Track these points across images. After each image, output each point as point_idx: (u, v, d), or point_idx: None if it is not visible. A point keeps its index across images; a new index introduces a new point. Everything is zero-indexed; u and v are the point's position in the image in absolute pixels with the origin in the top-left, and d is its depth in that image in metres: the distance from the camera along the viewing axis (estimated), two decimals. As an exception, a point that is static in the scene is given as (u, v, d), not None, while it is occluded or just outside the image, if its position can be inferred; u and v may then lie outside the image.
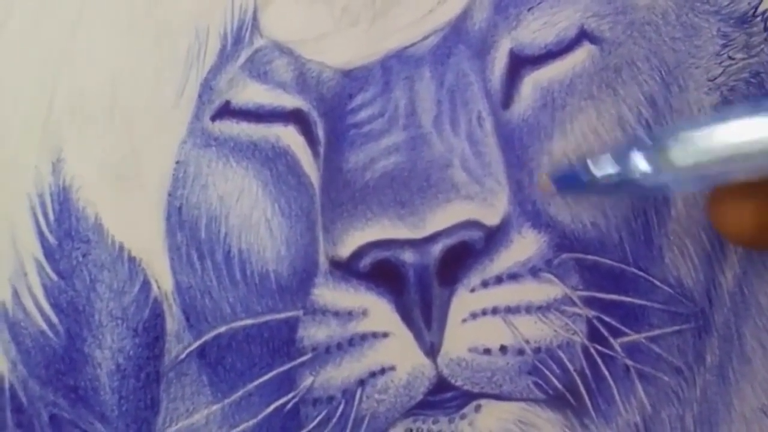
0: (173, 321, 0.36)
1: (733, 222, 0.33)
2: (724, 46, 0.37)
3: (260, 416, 0.35)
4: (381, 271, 0.35)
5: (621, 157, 0.32)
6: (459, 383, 0.35)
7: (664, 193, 0.35)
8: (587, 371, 0.36)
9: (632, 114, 0.36)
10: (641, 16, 0.37)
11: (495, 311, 0.35)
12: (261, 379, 0.35)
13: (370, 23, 0.36)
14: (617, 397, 0.36)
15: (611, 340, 0.36)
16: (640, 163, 0.31)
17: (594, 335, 0.36)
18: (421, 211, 0.35)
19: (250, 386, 0.35)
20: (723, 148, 0.30)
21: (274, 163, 0.36)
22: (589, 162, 0.32)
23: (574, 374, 0.35)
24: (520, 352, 0.35)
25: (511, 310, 0.35)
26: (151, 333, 0.36)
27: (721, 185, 0.32)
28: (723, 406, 0.36)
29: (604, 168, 0.32)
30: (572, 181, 0.33)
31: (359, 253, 0.35)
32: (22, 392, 0.36)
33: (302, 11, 0.36)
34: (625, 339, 0.36)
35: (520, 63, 0.36)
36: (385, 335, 0.35)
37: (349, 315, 0.35)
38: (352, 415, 0.35)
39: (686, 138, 0.31)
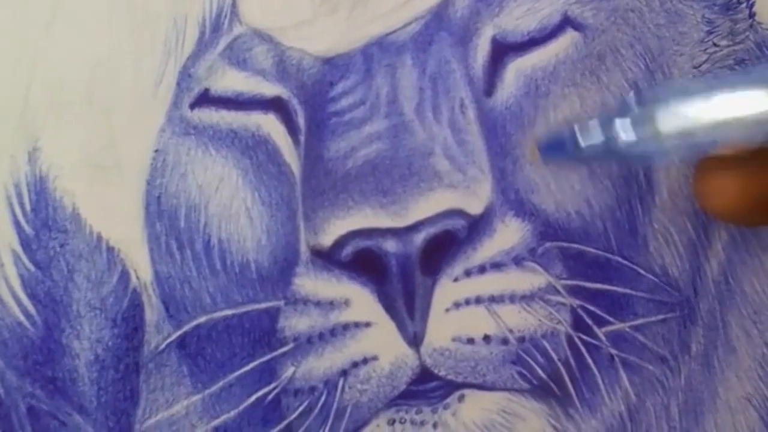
0: (152, 311, 0.36)
1: (719, 197, 0.32)
2: (709, 32, 0.37)
3: (241, 407, 0.35)
4: (363, 261, 0.35)
5: (607, 124, 0.31)
6: (442, 373, 0.35)
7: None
8: (571, 360, 0.36)
9: (616, 101, 0.36)
10: (625, 3, 0.37)
11: (478, 300, 0.35)
12: (242, 370, 0.35)
13: (351, 10, 0.36)
14: (602, 386, 0.36)
15: (595, 329, 0.36)
16: (626, 131, 0.31)
17: (578, 324, 0.36)
18: (404, 200, 0.35)
19: (231, 377, 0.35)
20: (709, 117, 0.30)
21: (254, 151, 0.36)
22: (576, 130, 0.31)
23: (558, 364, 0.35)
24: (504, 341, 0.35)
25: (494, 300, 0.35)
26: (130, 323, 0.36)
27: (705, 158, 0.32)
28: (708, 395, 0.36)
29: (590, 137, 0.31)
30: (558, 149, 0.32)
31: (341, 243, 0.35)
32: (0, 384, 0.36)
33: (282, -2, 0.36)
34: (610, 328, 0.36)
35: (503, 50, 0.36)
36: (368, 325, 0.35)
37: (330, 305, 0.35)
38: (335, 406, 0.35)
39: (672, 106, 0.30)
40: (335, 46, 0.36)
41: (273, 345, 0.35)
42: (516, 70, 0.36)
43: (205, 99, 0.36)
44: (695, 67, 0.37)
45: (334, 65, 0.36)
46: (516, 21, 0.36)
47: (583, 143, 0.31)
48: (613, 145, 0.31)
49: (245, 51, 0.36)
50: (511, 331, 0.35)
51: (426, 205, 0.35)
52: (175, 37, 0.36)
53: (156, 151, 0.36)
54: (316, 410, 0.35)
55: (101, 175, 0.36)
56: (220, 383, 0.35)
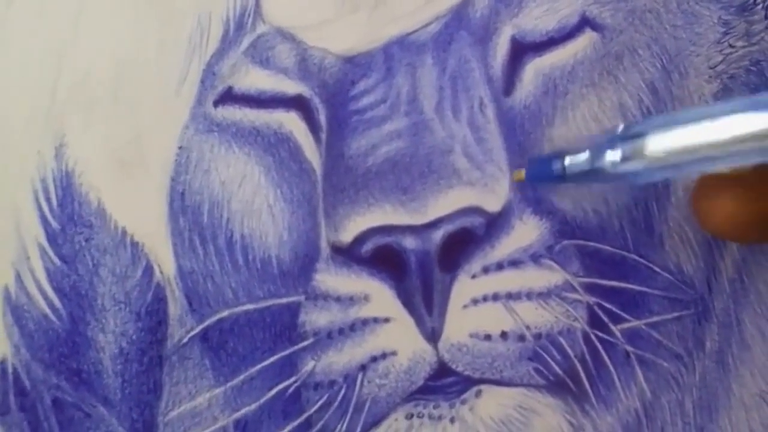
0: (176, 305, 0.36)
1: (717, 216, 0.33)
2: (725, 33, 0.37)
3: (262, 400, 0.36)
4: (382, 257, 0.35)
5: (594, 148, 0.32)
6: (460, 369, 0.35)
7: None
8: (588, 357, 0.36)
9: (633, 101, 0.36)
10: (642, 4, 0.37)
11: (496, 297, 0.35)
12: (263, 364, 0.36)
13: (372, 10, 0.36)
14: (617, 383, 0.36)
15: (611, 326, 0.36)
16: (610, 153, 0.31)
17: (594, 321, 0.36)
18: (423, 197, 0.35)
19: (252, 370, 0.36)
20: (696, 142, 0.30)
21: (277, 149, 0.36)
22: (566, 158, 0.32)
23: (575, 360, 0.36)
24: (521, 338, 0.35)
25: (512, 296, 0.35)
26: (154, 317, 0.36)
27: (703, 177, 0.33)
28: (722, 392, 0.36)
29: (576, 158, 0.32)
30: (543, 169, 0.33)
31: (361, 239, 0.35)
32: (25, 376, 0.36)
33: (305, -3, 0.36)
34: (626, 325, 0.36)
35: (522, 50, 0.37)
36: (387, 320, 0.35)
37: (350, 300, 0.35)
38: (354, 400, 0.35)
39: (658, 131, 0.31)
40: (357, 45, 0.36)
41: (294, 339, 0.36)
42: (535, 69, 0.36)
43: (229, 97, 0.36)
44: (711, 68, 0.37)
45: (355, 64, 0.36)
46: (535, 21, 0.37)
47: (567, 163, 0.32)
48: (597, 166, 0.31)
49: (268, 49, 0.36)
50: (528, 327, 0.35)
51: (445, 203, 0.35)
52: (200, 35, 0.36)
53: (180, 147, 0.36)
54: (336, 404, 0.35)
55: (126, 170, 0.36)
56: (242, 376, 0.36)
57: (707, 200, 0.33)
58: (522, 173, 0.34)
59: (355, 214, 0.35)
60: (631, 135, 0.31)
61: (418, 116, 0.36)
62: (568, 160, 0.32)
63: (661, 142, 0.30)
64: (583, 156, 0.32)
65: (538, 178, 0.34)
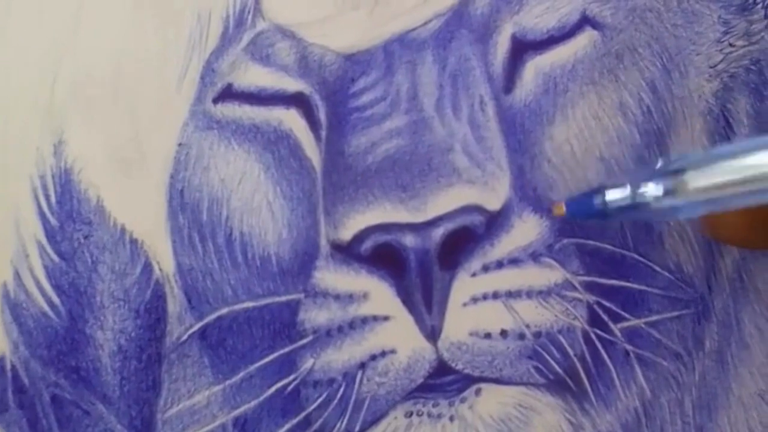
0: (175, 303, 0.36)
1: (722, 222, 0.34)
2: (725, 32, 0.37)
3: (261, 398, 0.36)
4: (382, 255, 0.35)
5: (634, 183, 0.32)
6: (459, 367, 0.35)
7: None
8: (587, 356, 0.36)
9: (633, 100, 0.37)
10: (643, 3, 0.37)
11: (496, 295, 0.35)
12: (262, 361, 0.36)
13: (372, 7, 0.36)
14: (617, 381, 0.36)
15: (611, 325, 0.36)
16: (653, 188, 0.31)
17: (594, 320, 0.36)
18: (423, 195, 0.35)
19: (252, 368, 0.36)
20: (738, 178, 0.30)
21: (276, 146, 0.36)
22: (606, 192, 0.33)
23: (574, 359, 0.36)
24: (521, 336, 0.35)
25: (511, 295, 0.35)
26: (153, 314, 0.36)
27: None
28: (721, 391, 0.36)
29: (617, 193, 0.32)
30: (585, 205, 0.33)
31: (360, 237, 0.35)
32: (24, 373, 0.36)
33: (305, -6, 0.36)
34: (625, 324, 0.36)
35: (523, 48, 0.37)
36: (386, 318, 0.35)
37: (349, 298, 0.35)
38: (353, 398, 0.35)
39: (700, 166, 0.31)
40: (357, 42, 0.36)
41: (293, 337, 0.36)
42: (535, 67, 0.36)
43: (228, 94, 0.36)
44: (711, 67, 0.37)
45: (355, 61, 0.36)
46: (535, 19, 0.37)
47: (609, 197, 0.32)
48: (639, 201, 0.31)
49: (268, 47, 0.36)
50: (527, 326, 0.35)
51: (445, 201, 0.35)
52: (199, 32, 0.36)
53: (179, 144, 0.36)
54: (335, 402, 0.35)
55: (125, 168, 0.36)
56: (241, 374, 0.36)
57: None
58: (562, 207, 0.34)
59: (355, 211, 0.35)
60: (672, 170, 0.31)
61: (418, 114, 0.36)
62: (608, 195, 0.32)
63: (703, 177, 0.31)
64: (624, 191, 0.32)
65: (579, 213, 0.34)
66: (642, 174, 0.32)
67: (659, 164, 0.32)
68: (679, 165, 0.31)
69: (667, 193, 0.31)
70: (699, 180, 0.31)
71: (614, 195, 0.32)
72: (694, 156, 0.32)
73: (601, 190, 0.33)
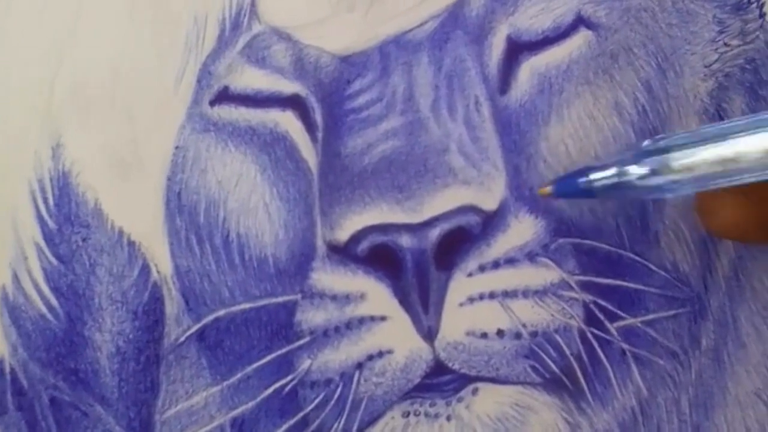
0: (173, 304, 0.36)
1: (719, 216, 0.34)
2: (720, 32, 0.37)
3: (259, 398, 0.36)
4: (378, 256, 0.35)
5: (619, 164, 0.32)
6: (456, 367, 0.35)
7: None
8: (584, 355, 0.36)
9: (628, 99, 0.37)
10: (638, 3, 0.37)
11: (492, 295, 0.35)
12: (259, 362, 0.36)
13: (368, 8, 0.36)
14: (613, 380, 0.36)
15: (607, 324, 0.36)
16: (637, 167, 0.31)
17: (590, 319, 0.36)
18: (419, 196, 0.36)
19: (249, 369, 0.36)
20: (723, 156, 0.31)
21: (273, 148, 0.36)
22: (592, 171, 0.33)
23: (571, 358, 0.36)
24: (517, 335, 0.36)
25: (508, 295, 0.36)
26: (151, 316, 0.36)
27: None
28: (718, 390, 0.37)
29: (603, 173, 0.32)
30: (570, 184, 0.33)
31: (357, 238, 0.35)
32: (23, 375, 0.36)
33: (300, -4, 0.37)
34: (622, 323, 0.36)
35: (518, 48, 0.37)
36: (383, 319, 0.35)
37: (346, 299, 0.35)
38: (350, 398, 0.35)
39: (686, 146, 0.31)
40: (352, 44, 0.36)
41: (290, 338, 0.36)
42: (530, 68, 0.37)
43: (225, 96, 0.36)
44: (706, 66, 0.37)
45: (351, 63, 0.36)
46: (530, 20, 0.37)
47: (594, 176, 0.32)
48: (624, 180, 0.31)
49: (264, 49, 0.36)
50: (524, 325, 0.36)
51: (441, 201, 0.36)
52: (196, 35, 0.36)
53: (176, 147, 0.36)
54: (332, 402, 0.36)
55: (123, 170, 0.36)
56: (239, 375, 0.36)
57: (709, 201, 0.34)
58: (547, 189, 0.34)
59: (352, 212, 0.35)
60: (658, 150, 0.31)
61: (413, 115, 0.36)
62: (594, 175, 0.32)
63: (687, 156, 0.31)
64: (610, 171, 0.32)
65: (566, 192, 0.34)
66: (629, 153, 0.32)
67: (646, 143, 0.32)
68: (664, 144, 0.31)
69: (653, 171, 0.31)
70: (683, 159, 0.31)
71: (599, 174, 0.32)
72: (679, 135, 0.32)
73: (587, 170, 0.33)
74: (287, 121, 0.36)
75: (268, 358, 0.36)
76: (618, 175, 0.32)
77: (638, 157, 0.32)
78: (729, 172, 0.31)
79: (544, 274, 0.36)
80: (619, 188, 0.32)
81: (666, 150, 0.31)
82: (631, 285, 0.36)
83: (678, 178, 0.31)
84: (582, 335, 0.36)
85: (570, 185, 0.33)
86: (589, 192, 0.33)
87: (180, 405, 0.36)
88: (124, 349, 0.36)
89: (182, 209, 0.36)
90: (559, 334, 0.36)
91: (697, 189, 0.32)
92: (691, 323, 0.37)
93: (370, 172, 0.36)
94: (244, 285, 0.36)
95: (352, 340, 0.35)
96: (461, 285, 0.35)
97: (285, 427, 0.36)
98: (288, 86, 0.36)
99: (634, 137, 0.37)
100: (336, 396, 0.35)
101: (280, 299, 0.36)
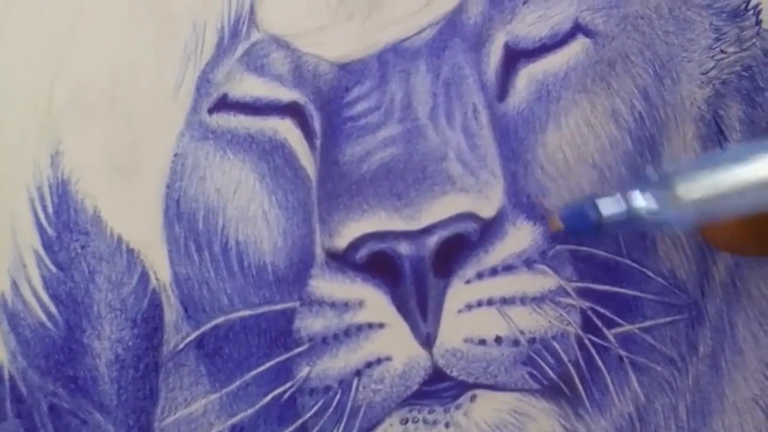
0: (171, 312, 0.36)
1: (717, 228, 0.34)
2: (717, 39, 0.37)
3: (258, 405, 0.36)
4: (377, 263, 0.35)
5: (628, 195, 0.32)
6: (454, 373, 0.35)
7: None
8: (581, 362, 0.36)
9: (626, 107, 0.37)
10: (635, 10, 0.37)
11: (490, 302, 0.36)
12: (258, 369, 0.36)
13: (366, 17, 0.37)
14: (611, 387, 0.36)
15: (605, 330, 0.36)
16: (647, 200, 0.31)
17: (588, 326, 0.36)
18: (417, 203, 0.36)
19: (248, 376, 0.36)
20: (730, 187, 0.31)
21: (271, 155, 0.36)
22: (598, 202, 0.32)
23: (569, 365, 0.36)
24: (515, 342, 0.36)
25: (506, 301, 0.36)
26: (150, 324, 0.36)
27: None
28: (715, 396, 0.37)
29: (612, 207, 0.32)
30: (581, 220, 0.33)
31: (355, 245, 0.35)
32: (22, 383, 0.36)
33: (299, 5, 0.36)
34: (619, 330, 0.36)
35: (515, 56, 0.37)
36: (381, 326, 0.35)
37: (345, 306, 0.35)
38: (349, 405, 0.36)
39: (692, 177, 0.31)
40: (351, 52, 0.36)
41: (289, 345, 0.36)
42: (528, 75, 0.37)
43: (224, 104, 0.37)
44: (703, 74, 0.37)
45: (349, 71, 0.36)
46: (528, 27, 0.37)
47: (605, 212, 0.32)
48: (634, 215, 0.31)
49: (263, 57, 0.37)
50: (522, 332, 0.36)
51: (439, 209, 0.36)
52: (195, 42, 0.36)
53: (175, 154, 0.36)
54: (331, 409, 0.36)
55: (122, 178, 0.36)
56: (237, 382, 0.36)
57: None
58: (557, 220, 0.34)
59: (350, 220, 0.36)
60: (664, 183, 0.31)
61: (412, 123, 0.36)
62: (603, 208, 0.32)
63: (696, 189, 0.31)
64: (618, 205, 0.32)
65: (577, 229, 0.33)
66: (633, 183, 0.32)
67: (648, 171, 0.32)
68: (671, 177, 0.31)
69: (661, 207, 0.31)
70: (691, 193, 0.31)
71: (609, 209, 0.32)
72: (685, 166, 0.32)
73: (593, 201, 0.33)
74: (286, 129, 0.36)
75: (267, 365, 0.36)
76: (628, 211, 0.32)
77: (646, 190, 0.32)
78: (740, 202, 0.31)
79: (542, 281, 0.36)
80: (628, 223, 0.32)
81: (673, 183, 0.31)
82: (629, 292, 0.36)
83: (688, 212, 0.31)
84: (579, 342, 0.36)
85: (579, 220, 0.33)
86: (599, 227, 0.33)
87: (179, 412, 0.36)
88: (123, 356, 0.36)
89: (181, 217, 0.36)
90: (556, 340, 0.36)
91: (709, 219, 0.32)
92: (688, 330, 0.37)
93: (369, 179, 0.36)
94: (243, 292, 0.36)
95: (351, 348, 0.36)
96: (459, 292, 0.35)
97: (284, 434, 0.36)
98: (287, 94, 0.36)
99: (631, 144, 0.37)
100: (334, 403, 0.36)
101: (279, 306, 0.36)
